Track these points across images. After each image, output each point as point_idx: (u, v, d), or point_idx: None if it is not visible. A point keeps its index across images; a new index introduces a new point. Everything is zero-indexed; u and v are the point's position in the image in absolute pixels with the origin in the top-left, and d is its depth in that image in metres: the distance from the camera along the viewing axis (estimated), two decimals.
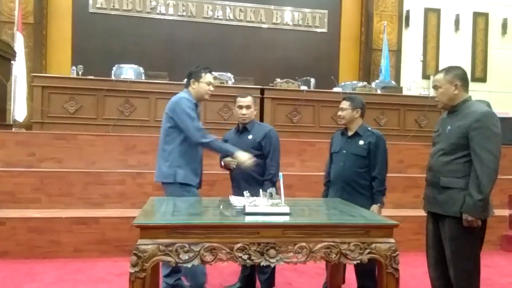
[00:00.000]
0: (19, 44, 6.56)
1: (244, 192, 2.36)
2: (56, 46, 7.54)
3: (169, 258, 1.86)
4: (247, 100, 3.21)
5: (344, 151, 3.10)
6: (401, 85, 7.78)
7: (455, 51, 8.51)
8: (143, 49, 7.68)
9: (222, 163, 3.23)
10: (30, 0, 7.16)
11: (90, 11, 7.70)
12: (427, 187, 2.60)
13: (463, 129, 2.36)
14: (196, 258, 1.87)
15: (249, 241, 1.90)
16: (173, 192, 2.95)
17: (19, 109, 6.37)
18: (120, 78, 5.70)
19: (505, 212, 4.93)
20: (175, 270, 3.06)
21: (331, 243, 1.96)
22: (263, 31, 8.32)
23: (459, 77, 2.46)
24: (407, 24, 8.45)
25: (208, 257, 1.88)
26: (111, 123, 5.44)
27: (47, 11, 7.50)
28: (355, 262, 1.98)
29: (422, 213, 2.70)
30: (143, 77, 6.01)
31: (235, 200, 2.45)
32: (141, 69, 6.14)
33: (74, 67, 5.82)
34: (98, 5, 7.71)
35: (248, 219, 2.05)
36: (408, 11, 8.43)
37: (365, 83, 6.69)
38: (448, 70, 2.51)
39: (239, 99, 3.23)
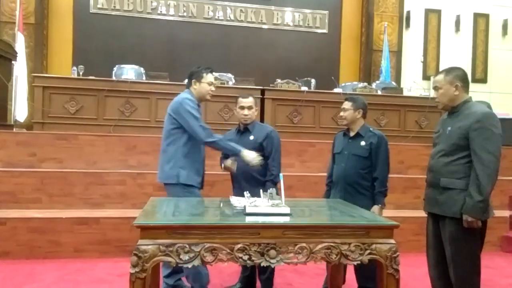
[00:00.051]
0: (20, 44, 6.56)
1: (245, 193, 2.37)
2: (57, 47, 7.55)
3: (169, 259, 1.86)
4: (249, 101, 3.21)
5: (346, 152, 3.10)
6: (401, 86, 7.78)
7: (456, 52, 8.51)
8: (144, 49, 7.68)
9: (223, 166, 3.23)
10: (31, 1, 7.16)
11: (91, 11, 7.71)
12: (427, 188, 2.60)
13: (464, 130, 2.36)
14: (197, 258, 1.87)
15: (249, 242, 1.91)
16: (176, 193, 2.95)
17: (20, 109, 6.37)
18: (120, 79, 5.71)
19: (506, 213, 4.93)
20: (175, 271, 3.06)
21: (332, 244, 1.96)
22: (264, 32, 8.32)
23: (460, 78, 2.47)
24: (407, 25, 8.45)
25: (209, 257, 1.88)
26: (111, 124, 5.45)
27: (48, 12, 7.50)
28: (355, 263, 1.98)
29: (422, 214, 2.71)
30: (144, 78, 6.02)
31: (236, 201, 2.45)
32: (142, 70, 6.15)
33: (75, 68, 5.82)
34: (99, 6, 7.72)
35: (249, 219, 2.05)
36: (408, 12, 8.43)
37: (365, 84, 6.70)
38: (448, 71, 2.51)
39: (240, 99, 3.23)
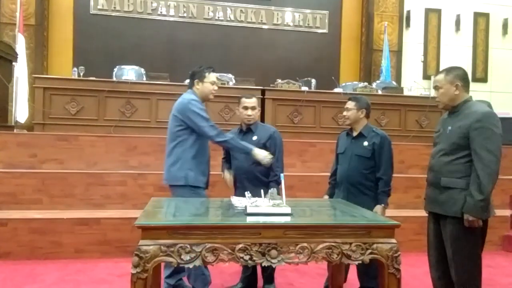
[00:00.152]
0: (21, 46, 6.57)
1: (246, 193, 2.37)
2: (57, 48, 7.55)
3: (170, 259, 1.86)
4: (253, 101, 3.22)
5: (349, 152, 3.10)
6: (402, 85, 7.77)
7: (456, 52, 8.51)
8: (144, 50, 7.69)
9: (223, 175, 3.30)
10: (32, 2, 7.17)
11: (91, 12, 7.71)
12: (428, 188, 2.60)
13: (464, 129, 2.36)
14: (198, 258, 1.87)
15: (250, 242, 1.91)
16: (183, 194, 2.93)
17: (20, 111, 6.38)
18: (121, 79, 5.71)
19: (507, 213, 4.93)
20: (177, 271, 3.06)
21: (333, 244, 1.96)
22: (264, 32, 8.32)
23: (460, 78, 2.47)
24: (407, 25, 8.45)
25: (210, 257, 1.88)
26: (112, 124, 5.45)
27: (49, 13, 7.50)
28: (356, 263, 1.98)
29: (423, 213, 2.70)
30: (144, 78, 6.02)
31: (237, 201, 2.45)
32: (142, 70, 6.15)
33: (75, 69, 5.83)
34: (99, 7, 7.72)
35: (250, 219, 2.05)
36: (408, 12, 8.43)
37: (366, 83, 6.70)
38: (448, 70, 2.51)
39: (244, 100, 3.23)
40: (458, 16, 8.54)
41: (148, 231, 1.88)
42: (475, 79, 8.38)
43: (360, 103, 3.11)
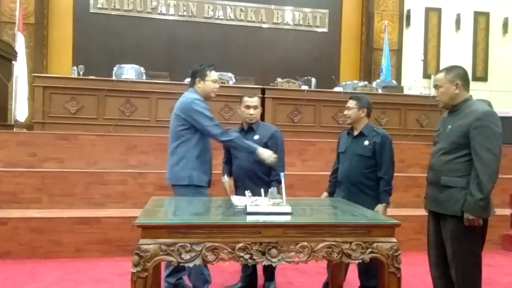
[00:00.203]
0: (20, 44, 6.56)
1: (246, 192, 2.37)
2: (57, 46, 7.55)
3: (170, 258, 1.86)
4: (255, 100, 3.23)
5: (350, 152, 3.09)
6: (402, 84, 7.78)
7: (456, 51, 8.50)
8: (144, 49, 7.68)
9: (223, 180, 3.32)
10: (31, 1, 7.16)
11: (91, 11, 7.71)
12: (428, 186, 2.60)
13: (464, 128, 2.36)
14: (198, 257, 1.87)
15: (250, 241, 1.91)
16: (186, 194, 2.91)
17: (20, 109, 6.38)
18: (121, 78, 5.70)
19: (507, 212, 4.93)
20: (177, 270, 3.06)
21: (333, 243, 1.96)
22: (264, 31, 8.32)
23: (460, 77, 2.46)
24: (408, 24, 8.45)
25: (210, 256, 1.88)
26: (112, 123, 5.45)
27: (48, 12, 7.50)
28: (356, 262, 1.98)
29: (423, 212, 2.70)
30: (144, 77, 6.01)
31: (237, 200, 2.45)
32: (142, 69, 6.15)
33: (75, 67, 5.83)
34: (99, 5, 7.72)
35: (250, 218, 2.05)
36: (409, 11, 8.42)
37: (366, 82, 6.70)
38: (449, 69, 2.51)
39: (246, 99, 3.23)
40: (458, 15, 8.54)
41: (148, 230, 1.88)
42: (475, 78, 8.38)
43: (362, 102, 3.11)
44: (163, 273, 2.97)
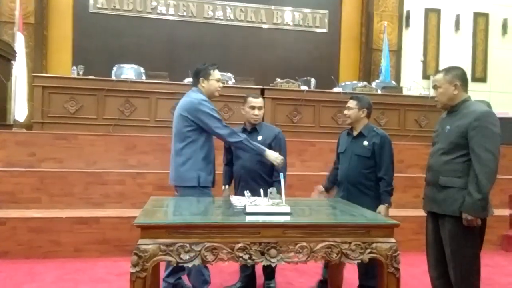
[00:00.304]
0: (20, 44, 6.56)
1: (245, 192, 2.37)
2: (56, 46, 7.55)
3: (170, 258, 1.86)
4: (260, 101, 3.24)
5: (349, 152, 3.09)
6: (401, 85, 7.79)
7: (456, 51, 8.52)
8: (144, 49, 7.68)
9: (223, 188, 3.35)
10: (31, 0, 7.16)
11: (90, 11, 7.71)
12: (426, 187, 2.61)
13: (462, 129, 2.36)
14: (197, 258, 1.87)
15: (250, 241, 1.91)
16: (193, 194, 2.89)
17: (19, 109, 6.38)
18: (120, 78, 5.71)
19: (505, 212, 4.94)
20: (176, 270, 3.06)
21: (332, 243, 1.96)
22: (264, 31, 8.32)
23: (459, 77, 2.47)
24: (407, 24, 8.46)
25: (209, 257, 1.88)
26: (111, 123, 5.44)
27: (48, 11, 7.50)
28: (356, 262, 1.98)
29: (422, 213, 2.71)
30: (144, 77, 6.01)
31: (236, 200, 2.45)
32: (142, 69, 6.15)
33: (74, 67, 5.83)
34: (98, 5, 7.72)
35: (249, 219, 2.05)
36: (408, 11, 8.43)
37: (365, 83, 6.70)
38: (447, 70, 2.52)
39: (251, 99, 3.22)
40: (457, 16, 8.55)
41: (147, 230, 1.88)
42: (475, 79, 8.40)
43: (362, 102, 3.11)
44: (162, 273, 2.97)
